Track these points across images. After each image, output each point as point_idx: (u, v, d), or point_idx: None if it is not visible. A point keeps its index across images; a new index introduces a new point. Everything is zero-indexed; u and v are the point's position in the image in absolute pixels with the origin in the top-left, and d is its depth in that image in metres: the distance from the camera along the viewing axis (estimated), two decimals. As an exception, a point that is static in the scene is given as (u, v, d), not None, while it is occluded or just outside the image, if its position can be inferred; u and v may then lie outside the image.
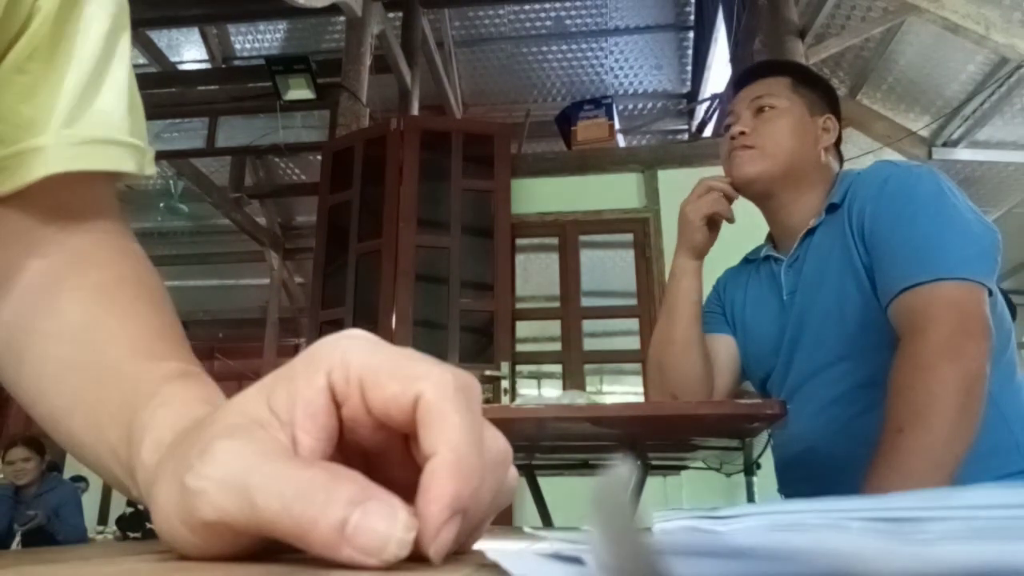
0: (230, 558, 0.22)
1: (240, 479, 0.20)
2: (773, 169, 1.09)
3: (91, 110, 0.37)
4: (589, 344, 3.76)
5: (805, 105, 1.13)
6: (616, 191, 3.92)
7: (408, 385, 0.21)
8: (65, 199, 0.38)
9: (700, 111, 5.58)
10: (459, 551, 0.23)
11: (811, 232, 1.08)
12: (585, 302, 3.82)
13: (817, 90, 1.16)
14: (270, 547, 0.23)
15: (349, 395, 0.22)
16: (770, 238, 1.19)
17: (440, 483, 0.20)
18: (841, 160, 1.18)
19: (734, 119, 1.15)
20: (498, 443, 0.24)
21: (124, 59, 0.40)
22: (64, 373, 0.33)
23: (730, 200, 1.13)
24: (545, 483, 1.80)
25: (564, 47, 5.64)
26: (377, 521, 0.19)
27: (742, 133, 1.11)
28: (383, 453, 0.23)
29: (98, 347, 0.33)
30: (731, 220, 1.14)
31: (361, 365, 0.22)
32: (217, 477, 0.21)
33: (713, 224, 1.15)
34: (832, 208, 1.06)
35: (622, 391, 6.71)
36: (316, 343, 0.23)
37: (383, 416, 0.22)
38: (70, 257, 0.37)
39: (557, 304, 3.81)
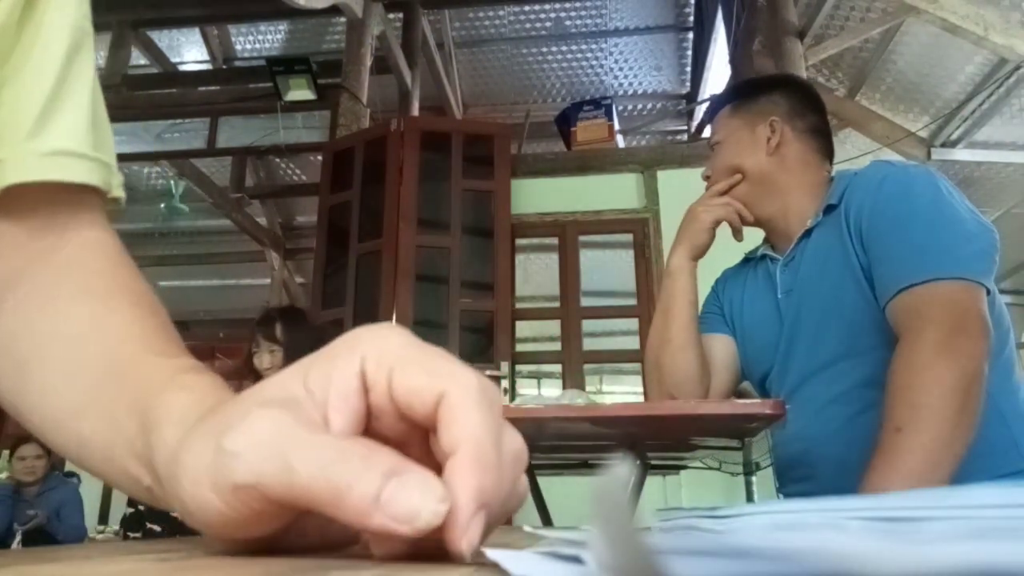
0: (247, 535, 0.23)
1: (279, 445, 0.21)
2: (738, 197, 1.13)
3: (53, 125, 0.37)
4: (589, 344, 3.77)
5: (744, 123, 1.15)
6: (616, 191, 3.92)
7: (434, 381, 0.22)
8: (51, 212, 0.38)
9: (699, 112, 5.58)
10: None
11: (808, 233, 1.08)
12: (585, 302, 3.82)
13: (762, 99, 1.16)
14: (268, 548, 0.23)
15: (377, 381, 0.22)
16: (768, 238, 1.20)
17: (464, 476, 0.20)
18: (829, 152, 1.16)
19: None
20: (515, 444, 0.24)
21: (86, 78, 0.40)
22: (74, 374, 0.33)
23: (744, 221, 1.15)
24: (545, 483, 1.80)
25: (564, 48, 5.64)
26: (412, 490, 0.20)
27: (707, 177, 1.19)
28: (404, 444, 0.24)
29: (108, 347, 0.34)
30: (741, 230, 1.16)
31: (394, 355, 0.22)
32: (256, 441, 0.21)
33: (713, 229, 1.16)
34: (829, 209, 1.06)
35: (622, 391, 6.72)
36: (357, 329, 0.24)
37: (405, 406, 0.22)
38: (65, 266, 0.37)
39: (557, 304, 3.81)
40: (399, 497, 0.19)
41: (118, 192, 0.41)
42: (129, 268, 0.39)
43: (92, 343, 0.34)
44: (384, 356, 0.22)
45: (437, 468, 0.21)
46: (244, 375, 2.19)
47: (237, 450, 0.21)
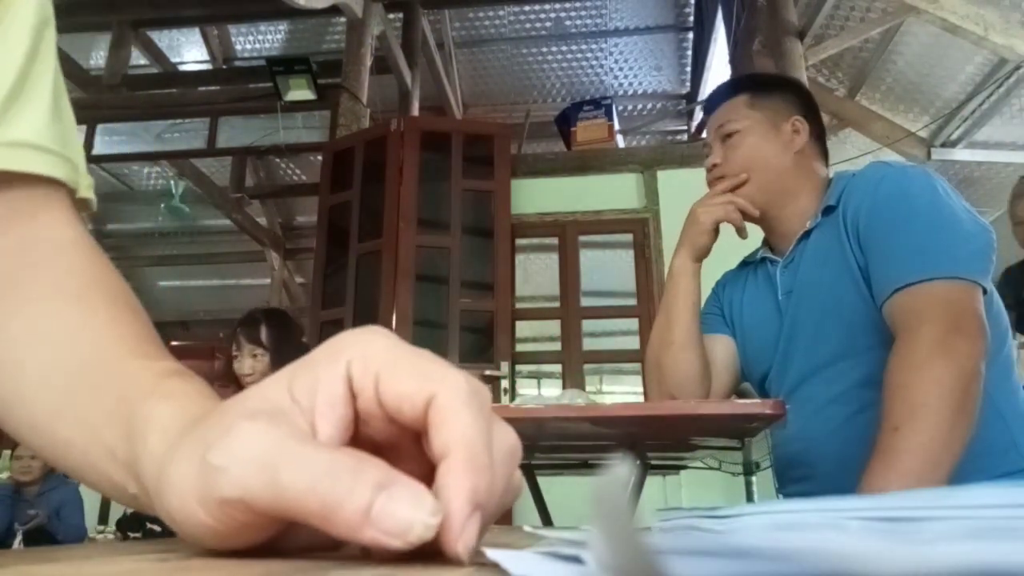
0: (237, 545, 0.22)
1: (266, 458, 0.20)
2: (749, 193, 1.11)
3: (13, 119, 0.37)
4: (589, 344, 3.76)
5: (766, 117, 1.13)
6: (616, 191, 3.92)
7: (423, 385, 0.22)
8: (13, 206, 0.37)
9: (699, 112, 5.58)
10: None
11: (807, 234, 1.08)
12: (585, 302, 3.82)
13: (777, 95, 1.16)
14: (267, 547, 0.23)
15: (364, 387, 0.22)
16: (766, 241, 1.20)
17: (457, 479, 0.20)
18: (826, 156, 1.16)
19: (708, 150, 1.18)
20: (508, 440, 0.24)
21: (47, 79, 0.39)
22: (49, 376, 0.32)
23: (746, 217, 1.13)
24: (545, 483, 1.80)
25: (564, 48, 5.64)
26: (403, 504, 0.19)
27: (715, 165, 1.15)
28: (394, 447, 0.24)
29: (86, 349, 0.33)
30: (743, 232, 1.14)
31: (380, 359, 0.22)
32: (242, 455, 0.21)
33: (715, 229, 1.15)
34: (828, 210, 1.06)
35: (622, 391, 6.72)
36: (340, 335, 0.23)
37: (394, 411, 0.22)
38: (37, 264, 0.36)
39: (557, 304, 3.81)
40: (390, 511, 0.19)
41: (87, 193, 0.40)
42: (103, 266, 0.38)
43: (68, 345, 0.33)
44: (370, 361, 0.22)
45: (430, 469, 0.21)
46: (225, 380, 2.09)
47: (223, 465, 0.21)
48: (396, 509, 0.19)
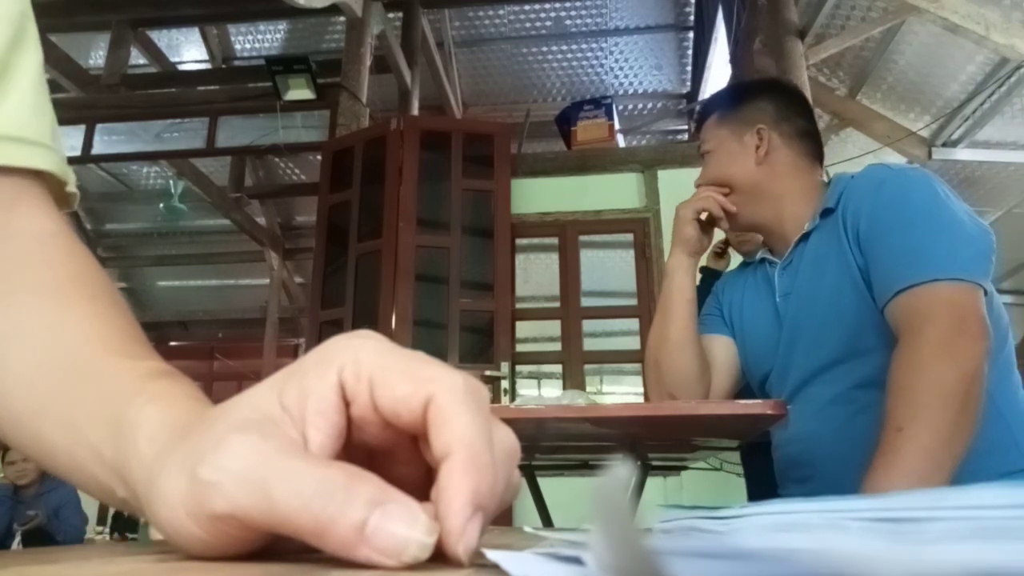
0: (230, 556, 0.22)
1: (257, 473, 0.20)
2: (727, 205, 1.14)
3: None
4: (589, 344, 3.76)
5: (731, 133, 1.15)
6: (616, 191, 3.92)
7: (419, 387, 0.21)
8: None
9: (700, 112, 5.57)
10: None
11: (805, 237, 1.08)
12: (585, 302, 3.82)
13: (746, 107, 1.16)
14: (266, 548, 0.23)
15: (358, 393, 0.22)
16: (766, 242, 1.20)
17: (459, 480, 0.20)
18: (818, 154, 1.15)
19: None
20: (507, 440, 0.24)
21: (29, 71, 0.39)
22: (31, 374, 0.31)
23: (726, 213, 1.15)
24: (545, 483, 1.80)
25: (564, 47, 5.64)
26: (397, 523, 0.19)
27: (699, 187, 1.19)
28: (389, 451, 0.23)
29: (69, 347, 0.32)
30: (721, 222, 1.15)
31: (372, 364, 0.22)
32: (233, 470, 0.20)
33: (707, 225, 1.17)
34: (826, 212, 1.06)
35: (622, 391, 6.73)
36: (328, 341, 0.23)
37: (391, 415, 0.22)
38: (16, 257, 0.35)
39: (557, 304, 3.81)
40: (385, 529, 0.19)
41: (70, 187, 0.40)
42: (85, 260, 0.37)
43: (51, 342, 0.32)
44: (362, 367, 0.22)
45: (426, 472, 0.21)
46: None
47: (213, 480, 0.20)
48: (391, 527, 0.19)
